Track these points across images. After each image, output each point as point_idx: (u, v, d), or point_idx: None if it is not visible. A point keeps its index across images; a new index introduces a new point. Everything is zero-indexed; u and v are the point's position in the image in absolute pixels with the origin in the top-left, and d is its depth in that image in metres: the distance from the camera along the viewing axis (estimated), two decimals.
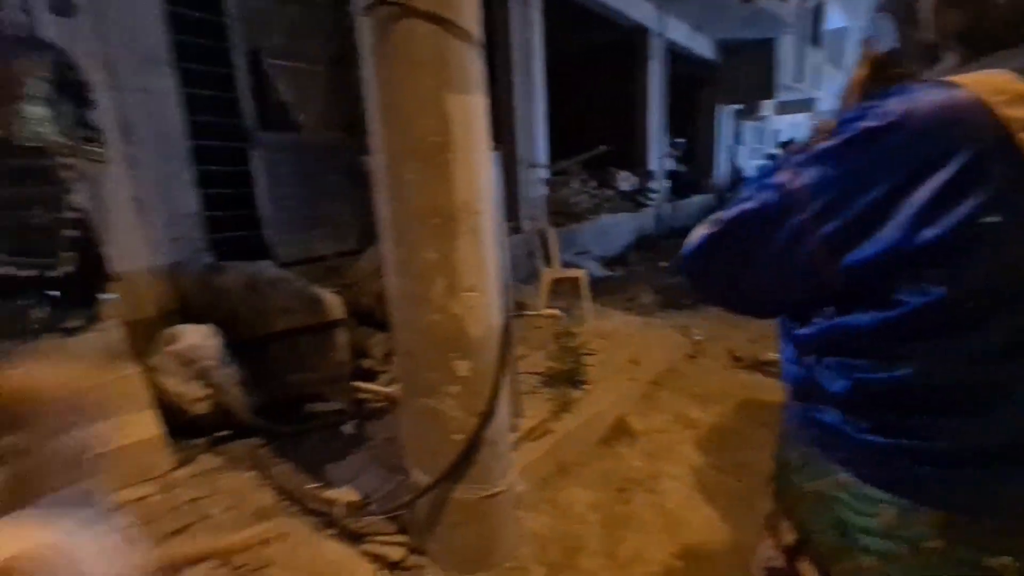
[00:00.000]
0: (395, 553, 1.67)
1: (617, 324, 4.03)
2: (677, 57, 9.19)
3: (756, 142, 14.47)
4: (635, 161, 8.72)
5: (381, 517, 1.79)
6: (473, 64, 1.39)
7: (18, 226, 2.06)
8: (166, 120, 2.91)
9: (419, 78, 1.31)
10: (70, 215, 2.17)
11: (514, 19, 5.40)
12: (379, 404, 2.91)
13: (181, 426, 2.38)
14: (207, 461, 2.28)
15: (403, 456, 1.75)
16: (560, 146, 7.32)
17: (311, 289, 2.97)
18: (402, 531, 1.76)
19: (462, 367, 1.49)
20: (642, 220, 8.29)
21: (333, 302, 2.95)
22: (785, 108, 15.02)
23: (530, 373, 2.80)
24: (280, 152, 4.13)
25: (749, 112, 12.78)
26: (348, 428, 2.61)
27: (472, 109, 1.40)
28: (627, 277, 6.23)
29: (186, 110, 3.03)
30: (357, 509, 1.79)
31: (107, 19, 2.72)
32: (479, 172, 1.44)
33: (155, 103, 2.86)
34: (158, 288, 2.87)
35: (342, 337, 2.96)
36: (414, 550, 1.69)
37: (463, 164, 1.39)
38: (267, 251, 4.03)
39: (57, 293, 2.31)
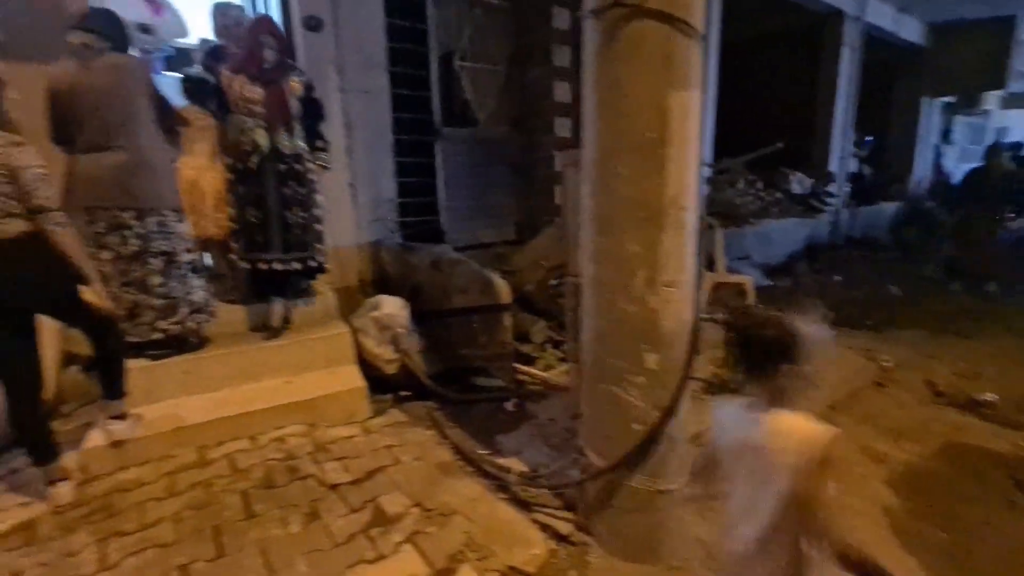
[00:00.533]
0: (563, 527, 1.76)
1: None
2: (874, 42, 8.00)
3: (971, 142, 12.04)
4: (813, 161, 7.83)
5: (550, 491, 1.91)
6: (696, 60, 1.39)
7: (284, 225, 2.58)
8: (379, 116, 3.37)
9: (644, 75, 1.35)
10: (317, 212, 2.68)
11: None
12: (536, 386, 3.07)
13: (373, 381, 2.76)
14: (395, 415, 2.62)
15: (575, 436, 1.83)
16: (730, 143, 6.86)
17: (485, 273, 3.22)
18: (568, 508, 1.85)
19: (651, 359, 1.52)
20: (814, 227, 7.43)
21: (503, 287, 3.17)
22: (1017, 101, 12.25)
23: (693, 378, 2.71)
24: (457, 145, 4.50)
25: (965, 105, 10.66)
26: (510, 405, 2.80)
27: (690, 105, 1.41)
28: (793, 289, 5.65)
29: (394, 107, 3.46)
30: (529, 479, 1.93)
31: (343, 31, 3.22)
32: (689, 168, 1.45)
33: (372, 102, 3.32)
34: (361, 262, 3.34)
35: (508, 320, 3.16)
36: (580, 527, 1.77)
37: (676, 160, 1.41)
38: (441, 236, 4.44)
39: (312, 280, 2.85)
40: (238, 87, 2.44)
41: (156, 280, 2.29)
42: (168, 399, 2.34)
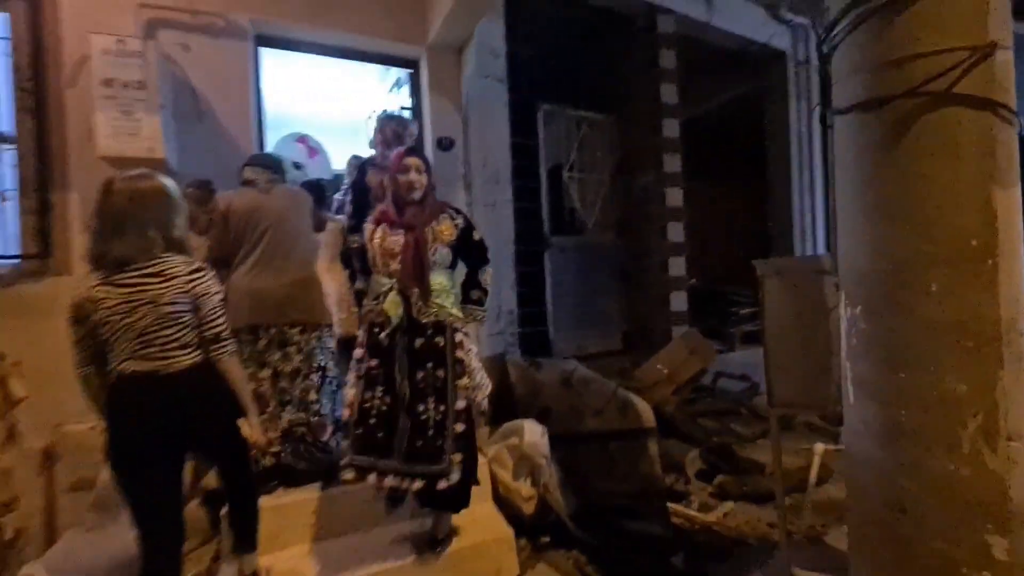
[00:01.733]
0: None
1: None
2: None
3: None
4: None
5: None
6: (1016, 151, 1.12)
7: (414, 422, 1.86)
8: (503, 228, 3.31)
9: (960, 171, 1.09)
10: (460, 405, 1.89)
11: (791, 111, 5.14)
12: (698, 533, 2.53)
13: (508, 521, 2.36)
14: (544, 571, 2.16)
15: None
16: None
17: (622, 392, 2.86)
18: None
19: (999, 546, 1.07)
20: None
21: (645, 408, 2.78)
22: None
23: None
24: (564, 252, 4.40)
25: None
26: (678, 560, 2.27)
27: (1015, 205, 1.11)
28: None
29: (516, 220, 3.41)
30: None
31: (470, 149, 3.28)
32: (1021, 282, 1.11)
33: (497, 214, 3.29)
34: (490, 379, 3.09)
35: (654, 447, 2.73)
36: None
37: (1007, 272, 1.08)
38: (549, 346, 4.18)
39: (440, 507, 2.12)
40: (380, 239, 1.93)
41: (313, 396, 2.24)
42: (297, 544, 2.03)
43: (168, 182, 1.63)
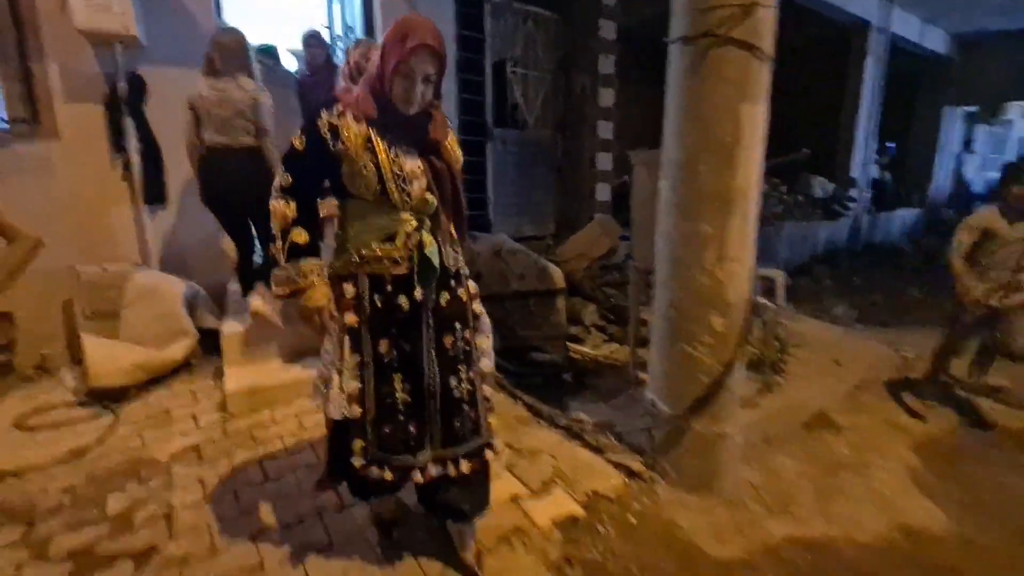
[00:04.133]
0: (635, 466, 2.10)
1: (814, 329, 4.01)
2: (898, 53, 8.24)
3: (992, 151, 12.17)
4: (836, 167, 8.09)
5: (621, 438, 2.24)
6: (765, 79, 1.73)
7: (447, 401, 1.42)
8: (447, 114, 3.73)
9: (725, 91, 1.69)
10: (486, 364, 1.54)
11: None
12: (587, 362, 3.41)
13: None
14: None
15: (634, 400, 2.17)
16: (776, 149, 7.13)
17: (541, 260, 3.57)
18: (637, 452, 2.18)
19: (718, 323, 1.86)
20: (835, 231, 7.70)
21: (557, 273, 3.51)
22: None
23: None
24: (506, 146, 4.86)
25: (987, 115, 10.83)
26: (568, 376, 3.14)
27: (758, 115, 1.74)
28: (813, 288, 5.93)
29: (461, 110, 3.82)
30: (603, 427, 2.27)
31: None
32: (754, 165, 1.78)
33: (445, 101, 3.67)
34: None
35: (562, 303, 3.51)
36: (649, 466, 2.10)
37: (744, 158, 1.74)
38: (489, 229, 4.79)
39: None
40: (387, 154, 1.28)
41: None
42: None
43: None
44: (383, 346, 1.33)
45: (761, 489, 2.11)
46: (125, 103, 2.85)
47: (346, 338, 1.34)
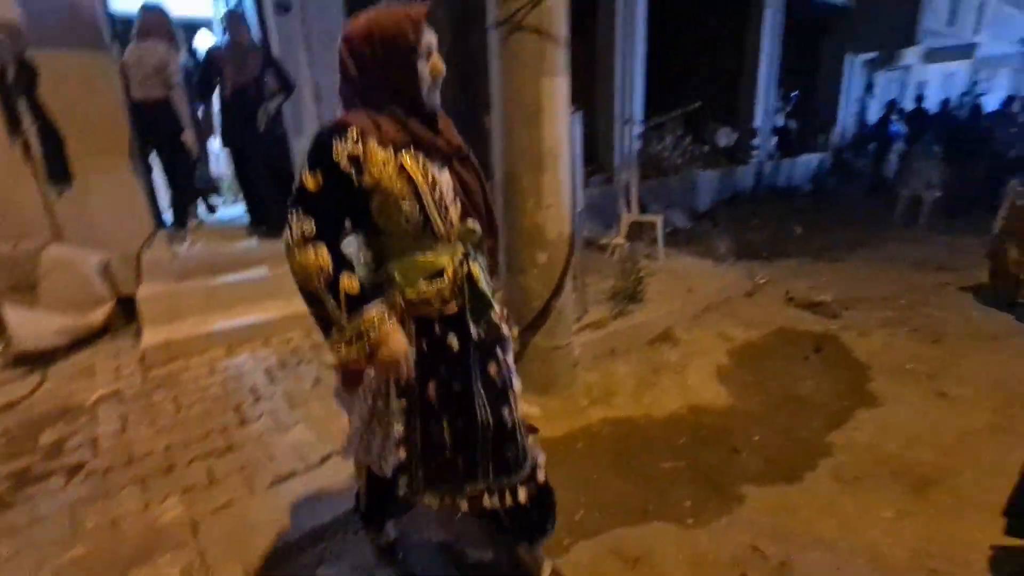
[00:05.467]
0: None
1: (687, 265, 4.61)
2: (799, 3, 8.76)
3: (893, 95, 13.11)
4: (740, 116, 8.68)
5: None
6: (560, 57, 2.14)
7: (498, 429, 1.29)
8: None
9: (525, 68, 2.10)
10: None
11: None
12: None
13: None
14: None
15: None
16: (664, 99, 7.60)
17: None
18: None
19: (541, 257, 2.33)
20: (740, 177, 8.37)
21: None
22: (935, 56, 13.33)
23: (598, 290, 3.58)
24: None
25: (886, 62, 11.65)
26: None
27: (558, 87, 2.16)
28: (711, 230, 6.58)
29: None
30: None
31: (307, 11, 3.76)
32: (560, 129, 2.22)
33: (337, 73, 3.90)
34: None
35: None
36: None
37: (549, 123, 2.17)
38: None
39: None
40: (425, 172, 1.11)
41: None
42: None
43: None
44: (431, 389, 1.19)
45: (593, 387, 2.67)
46: (16, 88, 2.98)
47: (390, 384, 1.19)
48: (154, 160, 3.77)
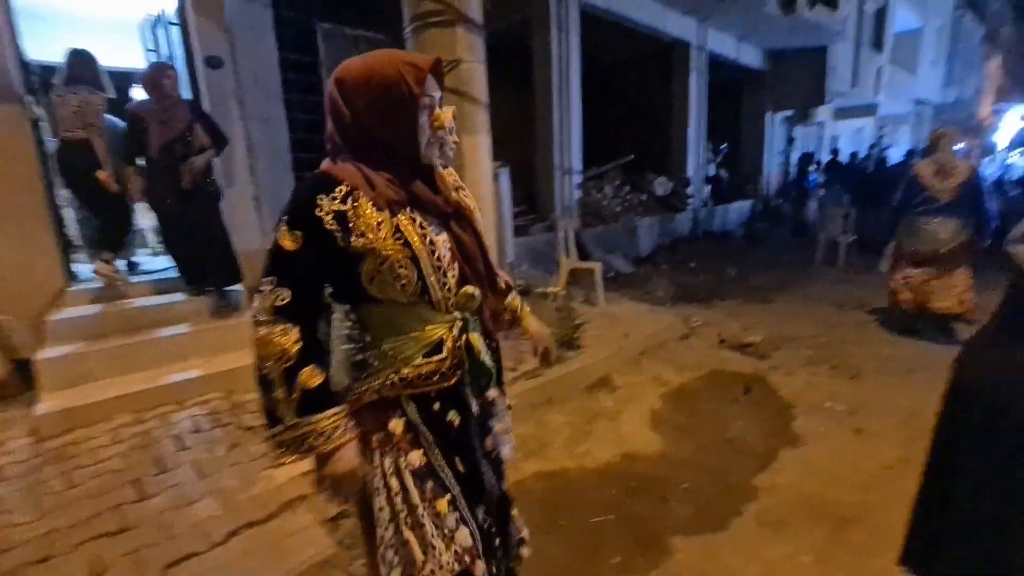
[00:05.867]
0: None
1: (625, 309, 4.72)
2: (722, 65, 9.58)
3: (811, 148, 14.35)
4: (674, 167, 9.23)
5: None
6: (480, 117, 2.22)
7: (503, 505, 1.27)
8: (279, 140, 3.96)
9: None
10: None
11: (553, 41, 6.17)
12: None
13: None
14: None
15: None
16: (603, 153, 8.01)
17: None
18: None
19: None
20: (677, 223, 8.79)
21: None
22: (843, 114, 14.81)
23: None
24: None
25: (801, 118, 12.80)
26: None
27: (479, 144, 2.23)
28: (651, 274, 6.82)
29: (290, 130, 4.05)
30: None
31: (241, 67, 3.78)
32: (484, 185, 2.27)
33: (271, 128, 3.90)
34: None
35: None
36: None
37: (474, 176, 2.22)
38: None
39: None
40: (421, 235, 1.01)
41: None
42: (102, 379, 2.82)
43: None
44: (460, 465, 1.07)
45: (528, 439, 2.62)
46: None
47: (416, 483, 1.02)
48: (74, 208, 3.61)
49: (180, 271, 3.45)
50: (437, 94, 1.03)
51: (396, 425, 1.03)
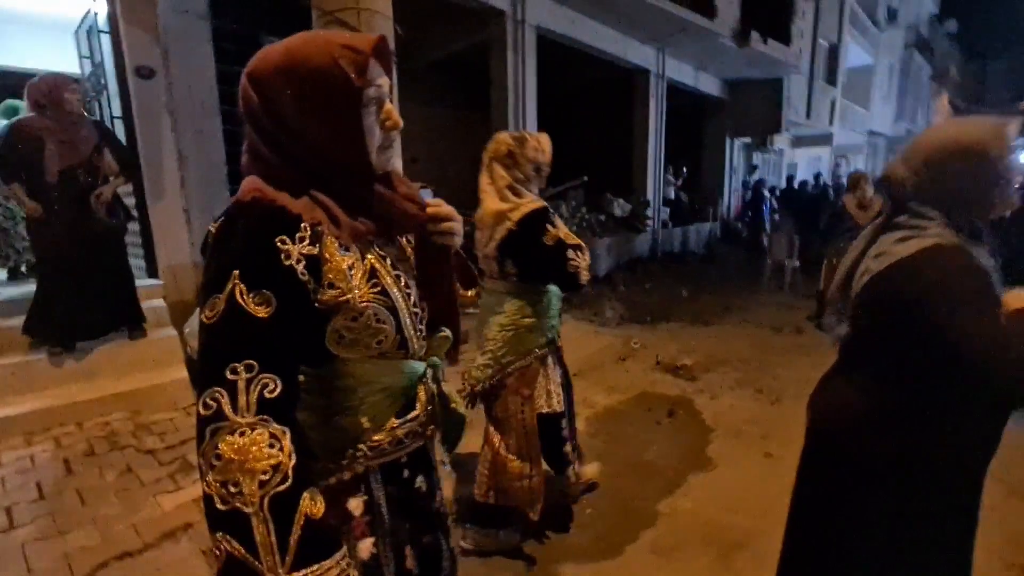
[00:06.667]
0: None
1: (570, 330, 4.72)
2: (680, 92, 9.87)
3: (770, 174, 14.85)
4: (634, 189, 9.41)
5: None
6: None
7: None
8: (214, 153, 3.88)
9: None
10: None
11: (509, 64, 6.27)
12: None
13: None
14: None
15: None
16: (563, 175, 8.08)
17: None
18: None
19: None
20: (636, 244, 8.93)
21: None
22: (800, 142, 15.42)
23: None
24: None
25: (760, 145, 13.26)
26: None
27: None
28: (605, 294, 6.88)
29: (226, 143, 3.98)
30: None
31: (172, 78, 3.71)
32: None
33: (207, 140, 3.83)
34: (196, 277, 3.80)
35: None
36: None
37: None
38: None
39: None
40: (387, 275, 0.80)
41: None
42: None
43: None
44: (410, 560, 0.87)
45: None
46: None
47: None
48: None
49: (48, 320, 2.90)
50: (385, 82, 0.77)
51: (356, 505, 0.81)
